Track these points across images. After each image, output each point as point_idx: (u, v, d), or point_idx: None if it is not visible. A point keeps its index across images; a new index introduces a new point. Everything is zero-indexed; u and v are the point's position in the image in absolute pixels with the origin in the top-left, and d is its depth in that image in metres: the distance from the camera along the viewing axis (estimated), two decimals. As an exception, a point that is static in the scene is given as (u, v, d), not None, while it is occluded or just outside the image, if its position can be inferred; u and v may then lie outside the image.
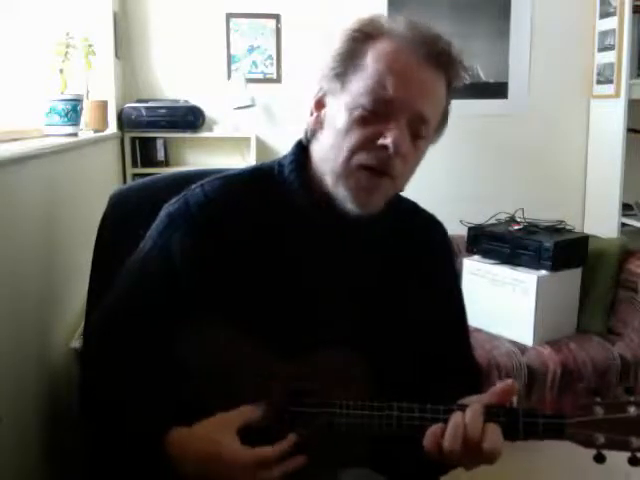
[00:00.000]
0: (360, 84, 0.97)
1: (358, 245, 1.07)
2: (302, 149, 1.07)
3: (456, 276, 1.22)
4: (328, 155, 1.00)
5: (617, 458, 0.90)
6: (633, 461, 0.90)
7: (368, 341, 1.02)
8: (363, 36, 0.99)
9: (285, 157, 1.09)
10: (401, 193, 1.12)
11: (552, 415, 0.91)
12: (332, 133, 1.00)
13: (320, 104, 1.03)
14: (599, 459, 0.90)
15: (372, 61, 0.97)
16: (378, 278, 1.08)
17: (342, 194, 0.99)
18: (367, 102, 0.96)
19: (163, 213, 1.07)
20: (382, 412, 0.94)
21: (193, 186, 1.08)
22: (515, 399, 0.95)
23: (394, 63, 0.96)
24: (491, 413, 0.91)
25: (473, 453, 0.89)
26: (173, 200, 1.07)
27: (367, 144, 0.96)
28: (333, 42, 1.02)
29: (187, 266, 1.02)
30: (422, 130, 0.99)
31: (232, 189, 1.07)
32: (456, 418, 0.90)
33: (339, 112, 0.99)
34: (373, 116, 0.96)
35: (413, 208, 1.17)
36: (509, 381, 0.96)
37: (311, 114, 1.04)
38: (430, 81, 0.98)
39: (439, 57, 0.98)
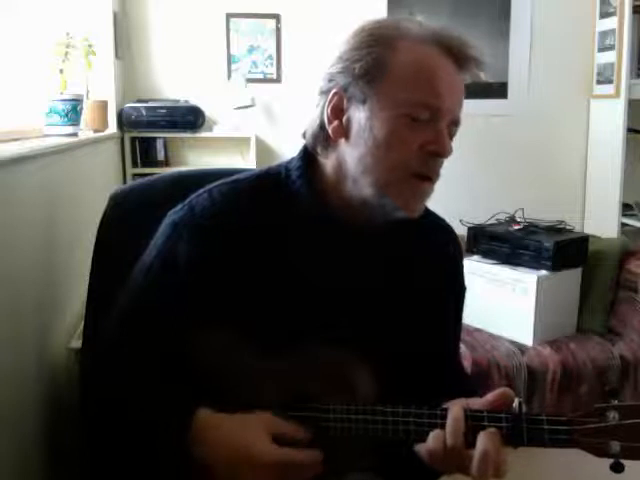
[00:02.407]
0: (402, 90, 0.95)
1: (364, 248, 1.06)
2: (308, 154, 1.05)
3: (462, 283, 1.21)
4: (370, 167, 0.97)
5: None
6: None
7: (372, 343, 1.02)
8: (385, 40, 0.97)
9: (291, 161, 1.07)
10: None
11: (559, 421, 0.86)
12: (372, 144, 0.96)
13: (338, 111, 0.99)
14: (616, 469, 0.84)
15: (410, 65, 0.95)
16: (384, 281, 1.07)
17: (389, 203, 0.97)
18: (413, 110, 0.94)
19: (167, 221, 1.04)
20: (376, 416, 0.93)
21: (199, 191, 1.06)
22: (517, 401, 0.90)
23: (431, 69, 0.95)
24: (492, 419, 0.87)
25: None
26: (177, 207, 1.05)
27: (417, 152, 0.95)
28: (348, 46, 0.98)
29: (194, 273, 1.00)
30: (455, 132, 1.00)
31: (239, 194, 1.05)
32: (456, 413, 0.89)
33: (377, 122, 0.95)
34: (417, 123, 0.95)
35: (423, 213, 1.16)
36: (505, 389, 0.93)
37: (329, 122, 0.99)
38: (459, 84, 1.00)
39: (461, 58, 0.98)
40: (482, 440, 0.86)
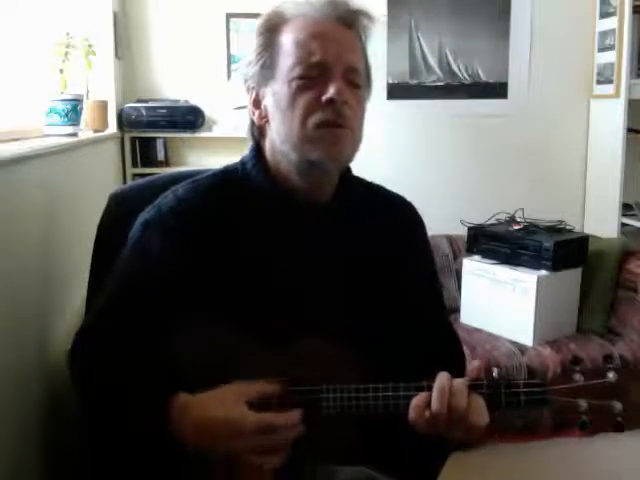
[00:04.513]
0: (287, 60, 1.04)
1: (330, 231, 1.11)
2: (258, 149, 1.14)
3: (430, 255, 1.25)
4: (285, 134, 1.05)
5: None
6: (617, 427, 0.92)
7: (350, 326, 1.05)
8: (272, 24, 1.07)
9: (245, 156, 1.16)
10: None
11: (533, 383, 0.95)
12: (280, 114, 1.05)
13: (257, 102, 1.10)
14: (584, 426, 0.93)
15: (289, 38, 1.05)
16: (354, 262, 1.11)
17: (312, 157, 1.04)
18: (301, 71, 1.03)
19: (138, 222, 1.10)
20: (367, 393, 0.96)
21: (165, 193, 1.12)
22: (496, 370, 0.99)
23: (310, 31, 1.04)
24: (474, 386, 0.95)
25: (459, 423, 0.92)
26: (147, 209, 1.11)
27: (315, 105, 1.03)
28: (249, 45, 1.11)
29: (166, 269, 1.05)
30: (356, 79, 1.06)
31: (203, 192, 1.11)
32: (442, 382, 0.94)
33: (278, 93, 1.05)
34: (310, 82, 1.03)
35: (381, 191, 1.21)
36: (477, 362, 1.01)
37: (253, 114, 1.11)
38: (346, 36, 1.06)
39: (343, 17, 1.05)
40: (439, 378, 0.94)
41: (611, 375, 0.93)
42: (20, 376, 1.25)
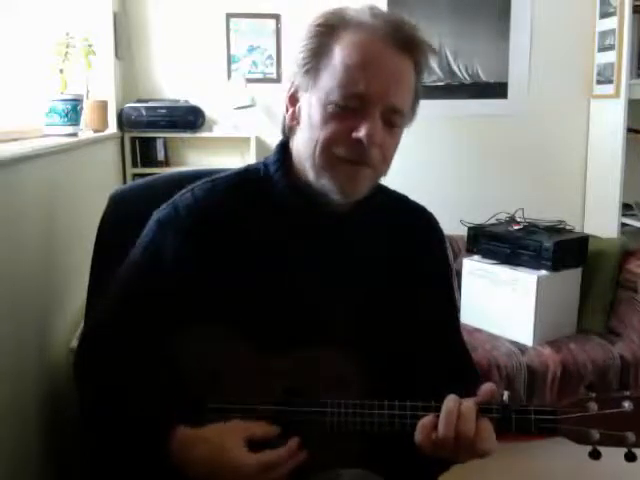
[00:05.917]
0: (331, 79, 0.98)
1: (347, 241, 1.08)
2: (285, 148, 1.09)
3: (449, 269, 1.23)
4: (307, 150, 1.01)
5: (610, 458, 0.90)
6: (629, 457, 0.89)
7: (360, 338, 1.04)
8: (328, 29, 1.00)
9: (269, 157, 1.11)
10: (397, 189, 1.16)
11: (544, 411, 0.92)
12: (308, 128, 1.01)
13: (294, 99, 1.05)
14: (594, 455, 0.90)
15: (340, 55, 0.98)
16: (369, 274, 1.09)
17: (326, 186, 1.01)
18: (339, 98, 0.97)
19: (153, 220, 1.08)
20: (373, 410, 0.95)
21: (182, 191, 1.09)
22: (506, 394, 0.95)
23: (363, 56, 0.97)
24: (483, 410, 0.92)
25: (466, 448, 0.91)
26: (162, 207, 1.08)
27: (342, 138, 0.98)
28: (301, 37, 1.03)
29: (179, 270, 1.03)
30: (396, 120, 1.00)
31: (221, 192, 1.08)
32: (449, 405, 0.91)
33: (313, 107, 1.00)
34: (346, 111, 0.97)
35: (403, 202, 1.18)
36: (491, 384, 0.96)
37: (287, 110, 1.06)
38: (399, 69, 0.99)
39: (405, 42, 0.98)
40: (447, 401, 0.92)
41: (627, 404, 0.89)
42: (20, 377, 1.25)
